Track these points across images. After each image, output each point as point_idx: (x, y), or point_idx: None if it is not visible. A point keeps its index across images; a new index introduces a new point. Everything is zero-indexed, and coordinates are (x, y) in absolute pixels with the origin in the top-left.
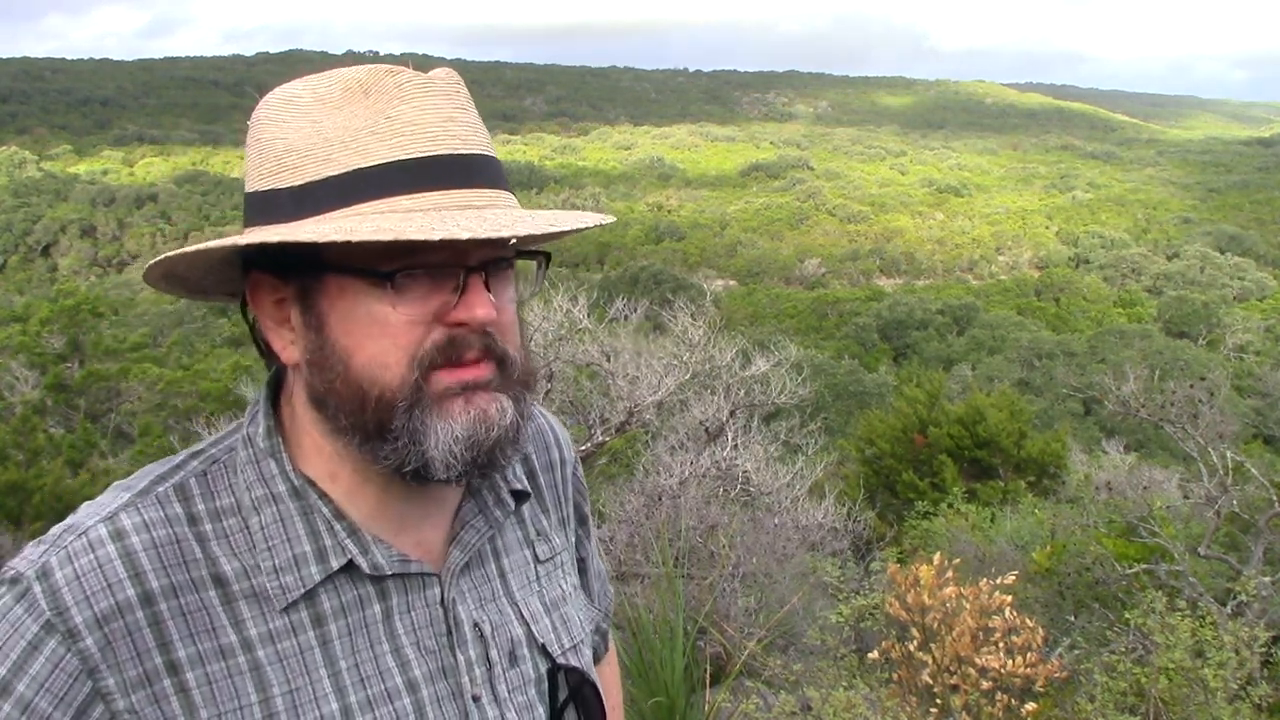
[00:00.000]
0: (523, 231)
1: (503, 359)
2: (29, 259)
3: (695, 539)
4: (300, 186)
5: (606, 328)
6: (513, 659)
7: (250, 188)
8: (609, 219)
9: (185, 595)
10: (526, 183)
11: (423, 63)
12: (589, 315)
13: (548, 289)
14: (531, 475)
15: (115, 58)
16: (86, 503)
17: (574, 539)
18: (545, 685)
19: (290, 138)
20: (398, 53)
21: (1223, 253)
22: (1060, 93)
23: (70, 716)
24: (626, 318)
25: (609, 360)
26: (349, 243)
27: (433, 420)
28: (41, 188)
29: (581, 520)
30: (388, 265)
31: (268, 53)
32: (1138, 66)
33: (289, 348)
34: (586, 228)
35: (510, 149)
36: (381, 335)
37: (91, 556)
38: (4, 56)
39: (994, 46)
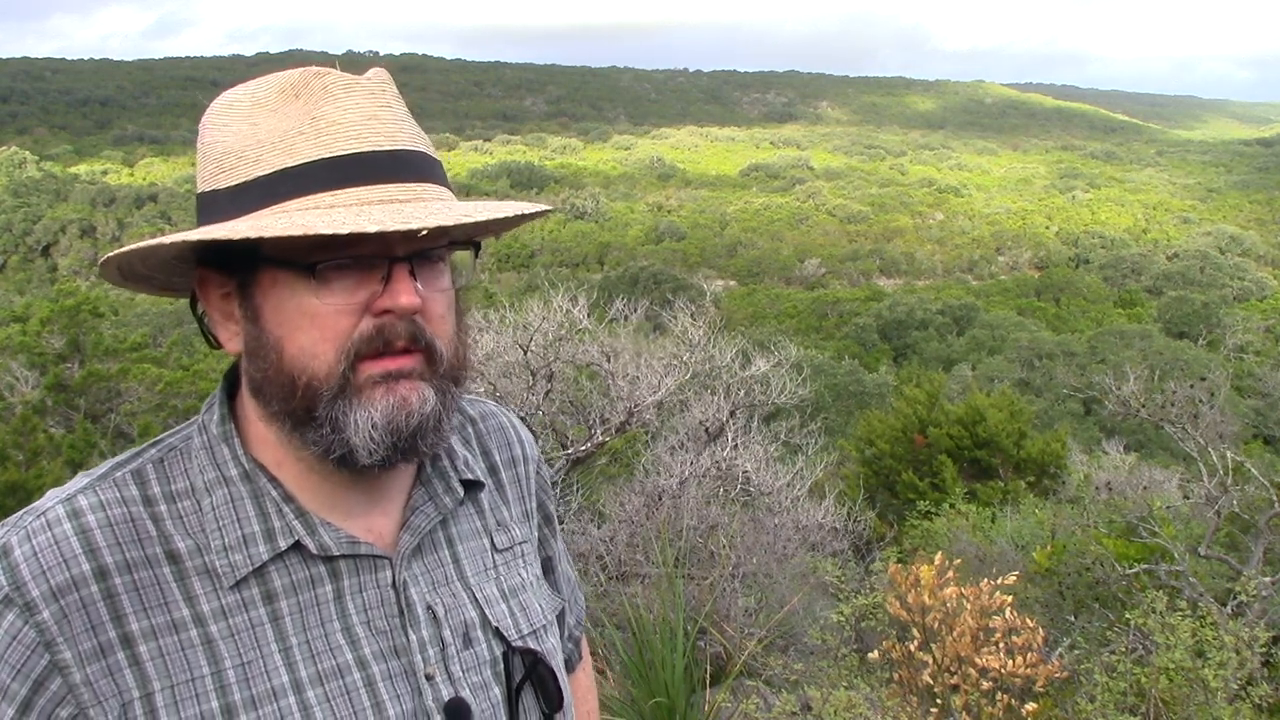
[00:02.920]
0: (434, 224)
1: (430, 350)
2: (29, 259)
3: (695, 539)
4: (234, 187)
5: (606, 328)
6: (467, 640)
7: (198, 189)
8: (539, 208)
9: (139, 571)
10: (526, 183)
11: (423, 63)
12: (589, 315)
13: (547, 289)
14: (493, 470)
15: (115, 58)
16: (50, 490)
17: (538, 535)
18: (500, 667)
19: (228, 141)
20: (398, 53)
21: (1223, 253)
22: (1062, 93)
23: (28, 688)
24: (626, 318)
25: (609, 360)
26: (282, 237)
27: (354, 408)
28: (41, 188)
29: (547, 518)
30: (316, 258)
31: (267, 53)
32: (1143, 67)
33: (233, 339)
34: (507, 216)
35: (510, 149)
36: (311, 326)
37: (49, 534)
38: (4, 56)
39: (999, 47)
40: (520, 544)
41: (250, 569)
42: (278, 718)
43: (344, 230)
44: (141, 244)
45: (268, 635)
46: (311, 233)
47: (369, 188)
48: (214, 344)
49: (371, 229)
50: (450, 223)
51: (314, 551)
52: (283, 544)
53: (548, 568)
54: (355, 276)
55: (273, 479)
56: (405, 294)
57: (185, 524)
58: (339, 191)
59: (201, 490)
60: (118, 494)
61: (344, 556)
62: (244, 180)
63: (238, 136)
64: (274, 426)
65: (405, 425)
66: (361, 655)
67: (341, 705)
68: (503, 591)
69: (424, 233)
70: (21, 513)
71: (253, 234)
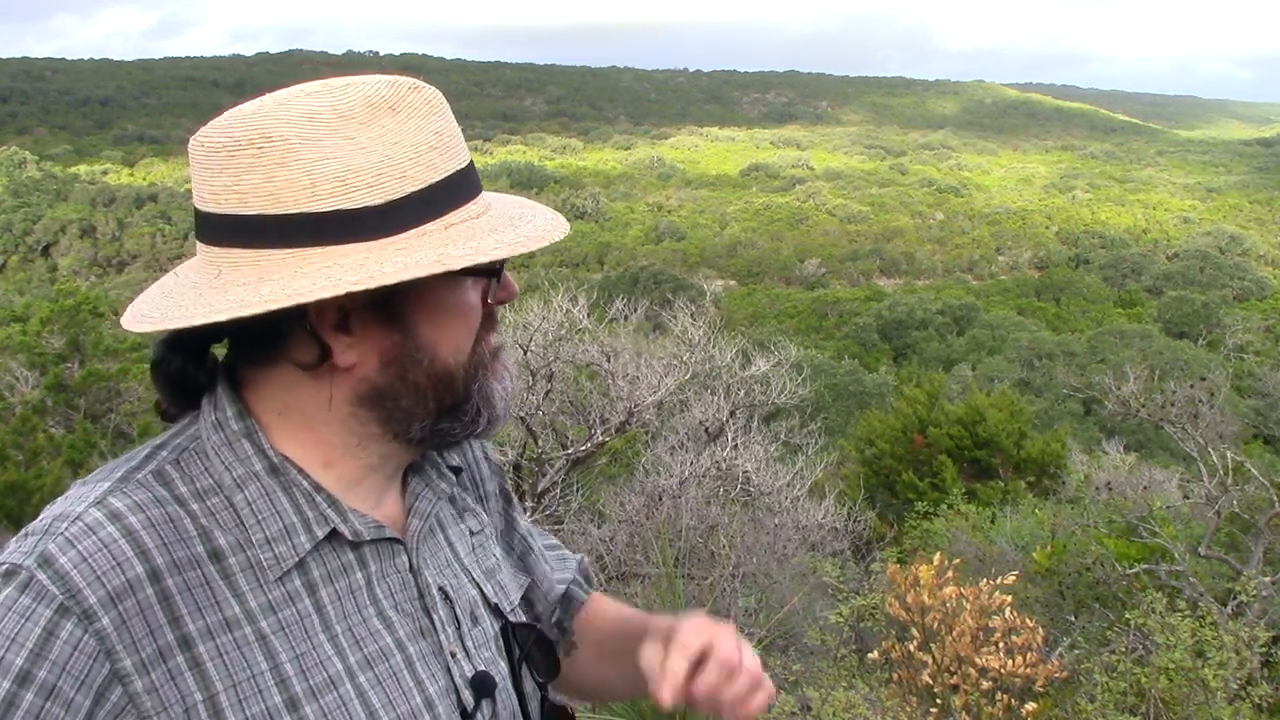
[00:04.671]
0: (566, 227)
1: None
2: (29, 259)
3: (695, 539)
4: (384, 205)
5: (606, 328)
6: (473, 618)
7: (294, 209)
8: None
9: (188, 571)
10: (526, 183)
11: (423, 63)
12: (589, 315)
13: (547, 289)
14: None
15: (115, 58)
16: (59, 499)
17: (504, 516)
18: (501, 641)
19: (342, 157)
20: (398, 53)
21: (1223, 253)
22: (1062, 93)
23: (91, 699)
24: (626, 318)
25: (609, 360)
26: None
27: (492, 383)
28: (41, 188)
29: (506, 499)
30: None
31: (268, 53)
32: (1144, 66)
33: (346, 352)
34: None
35: (510, 149)
36: (462, 323)
37: (94, 538)
38: (4, 56)
39: (1002, 46)
40: (486, 527)
41: (295, 560)
42: (339, 704)
43: (558, 236)
44: (413, 273)
45: (315, 625)
46: (540, 244)
47: (480, 196)
48: (306, 364)
49: (559, 235)
50: (568, 227)
51: (349, 538)
52: (320, 533)
53: (525, 547)
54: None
55: (299, 470)
56: (514, 284)
57: (219, 520)
58: (470, 204)
59: (231, 486)
60: (150, 495)
61: (370, 542)
62: (397, 196)
63: (347, 152)
64: (387, 428)
65: (515, 390)
66: (399, 638)
67: (391, 687)
68: (486, 571)
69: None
70: (49, 521)
71: (505, 253)
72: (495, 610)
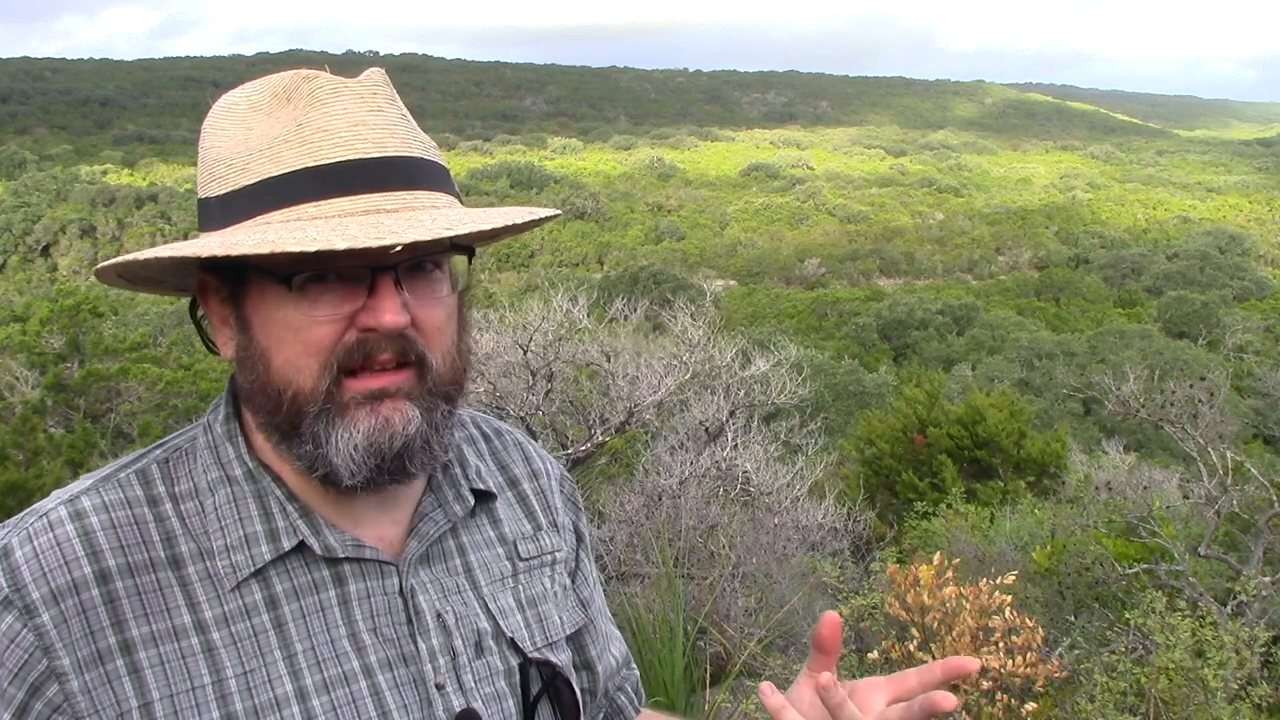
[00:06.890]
0: (410, 239)
1: (420, 364)
2: (29, 259)
3: (695, 539)
4: (223, 196)
5: (606, 328)
6: (479, 650)
7: (199, 195)
8: (533, 216)
9: (141, 575)
10: (526, 182)
11: (423, 63)
12: (589, 315)
13: (547, 289)
14: (513, 482)
15: (115, 58)
16: (56, 490)
17: (574, 557)
18: (517, 678)
19: (221, 147)
20: (398, 53)
21: (1223, 253)
22: (1061, 93)
23: (25, 692)
24: (626, 318)
25: (609, 360)
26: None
27: (336, 427)
28: (41, 188)
29: (579, 537)
30: (298, 270)
31: (268, 53)
32: (1148, 67)
33: (228, 345)
34: (499, 226)
35: (510, 149)
36: (294, 339)
37: (50, 535)
38: (4, 56)
39: (1003, 47)
40: (550, 553)
41: (252, 570)
42: None
43: (312, 248)
44: (138, 255)
45: (271, 642)
46: (279, 250)
47: (354, 198)
48: (212, 348)
49: (341, 245)
50: (427, 237)
51: (318, 553)
52: (286, 545)
53: (582, 599)
54: (339, 289)
55: (277, 479)
56: (389, 311)
57: (189, 526)
58: (323, 202)
59: (205, 490)
60: (122, 495)
61: (349, 560)
62: (231, 189)
63: (231, 142)
64: (263, 436)
65: (389, 447)
66: (367, 663)
67: (347, 714)
68: (520, 602)
69: (398, 248)
70: (24, 513)
71: (220, 251)
72: (513, 645)
